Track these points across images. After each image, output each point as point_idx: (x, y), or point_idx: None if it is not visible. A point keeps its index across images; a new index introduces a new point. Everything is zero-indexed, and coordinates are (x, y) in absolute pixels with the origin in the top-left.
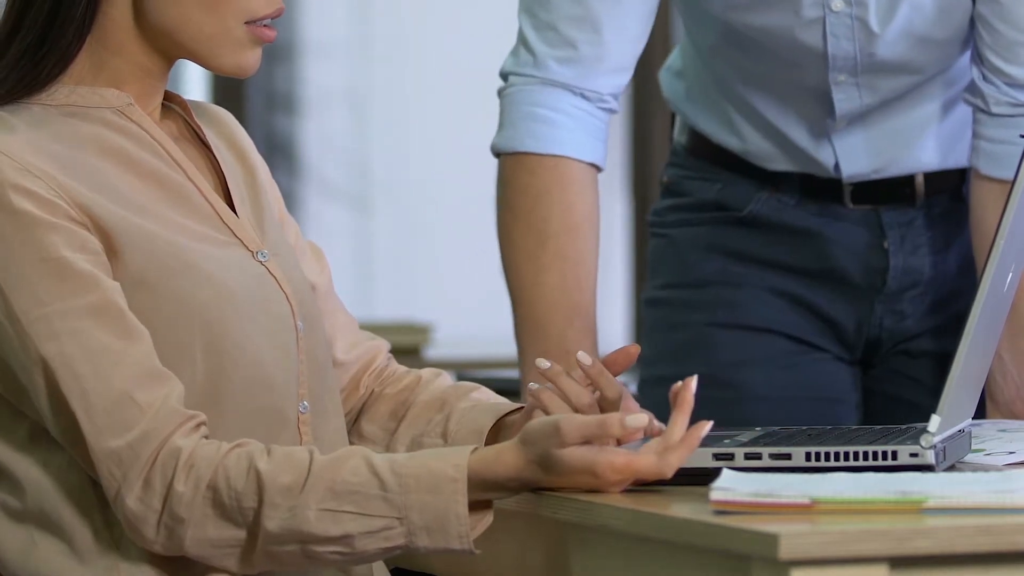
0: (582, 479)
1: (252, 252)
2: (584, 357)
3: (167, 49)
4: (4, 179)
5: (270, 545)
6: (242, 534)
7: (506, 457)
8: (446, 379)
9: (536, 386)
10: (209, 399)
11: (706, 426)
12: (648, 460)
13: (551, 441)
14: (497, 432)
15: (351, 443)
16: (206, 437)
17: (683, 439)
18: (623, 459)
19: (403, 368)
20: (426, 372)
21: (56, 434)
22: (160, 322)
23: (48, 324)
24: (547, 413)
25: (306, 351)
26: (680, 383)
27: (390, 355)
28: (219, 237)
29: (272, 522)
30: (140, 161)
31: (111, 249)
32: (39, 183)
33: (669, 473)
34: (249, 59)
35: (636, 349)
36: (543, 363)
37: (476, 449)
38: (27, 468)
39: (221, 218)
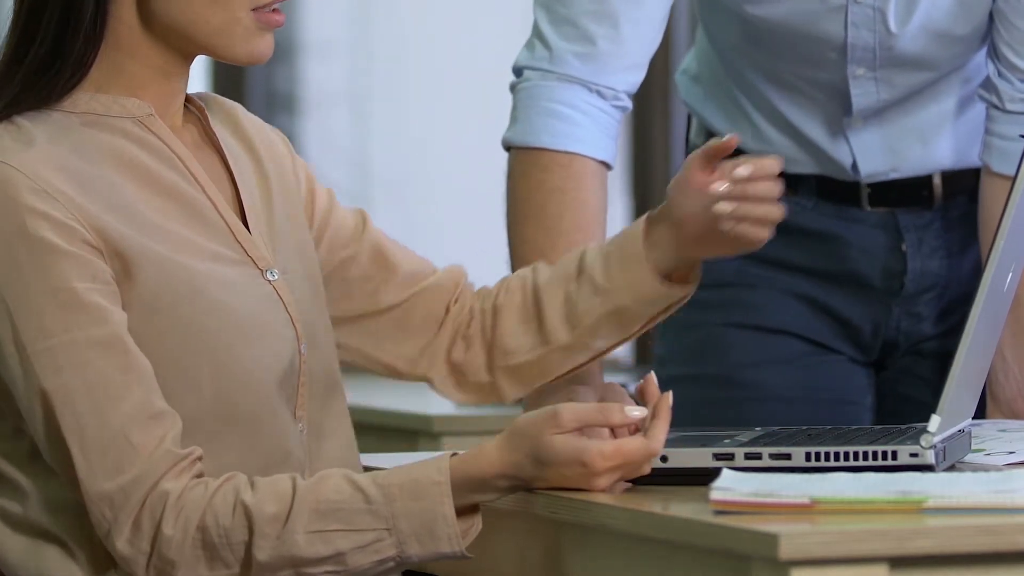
0: (571, 470)
1: (262, 270)
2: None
3: (180, 46)
4: (22, 202)
5: (263, 575)
6: (234, 571)
7: (489, 453)
8: (525, 275)
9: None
10: (215, 425)
11: (669, 397)
12: (636, 442)
13: (547, 426)
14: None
15: (494, 368)
16: (200, 475)
17: (655, 415)
18: (612, 446)
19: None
20: (501, 286)
21: (51, 463)
22: (169, 348)
23: (52, 356)
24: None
25: (308, 373)
26: (642, 381)
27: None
28: (230, 255)
29: (263, 553)
30: (158, 176)
31: (125, 272)
32: (56, 205)
33: (657, 447)
34: (260, 46)
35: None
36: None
37: (455, 453)
38: (27, 483)
39: (234, 235)
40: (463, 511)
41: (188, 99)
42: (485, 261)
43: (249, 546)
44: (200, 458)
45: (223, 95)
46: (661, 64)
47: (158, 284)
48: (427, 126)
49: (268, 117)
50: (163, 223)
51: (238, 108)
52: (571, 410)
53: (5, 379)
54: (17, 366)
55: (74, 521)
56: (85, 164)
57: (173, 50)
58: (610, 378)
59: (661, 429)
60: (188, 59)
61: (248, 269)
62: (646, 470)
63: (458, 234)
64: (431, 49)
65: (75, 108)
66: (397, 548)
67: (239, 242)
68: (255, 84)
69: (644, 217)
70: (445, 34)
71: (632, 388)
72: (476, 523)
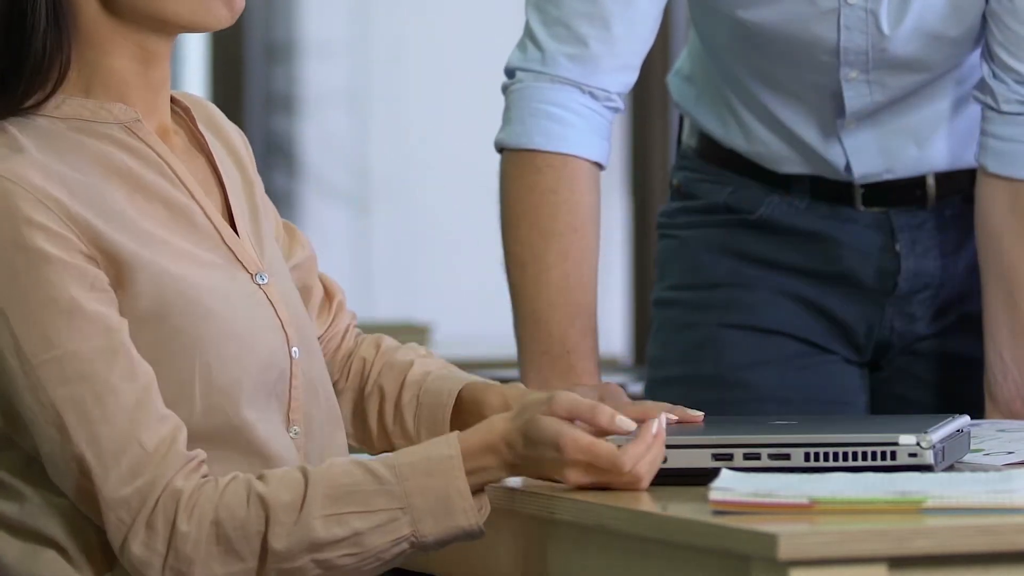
0: (548, 453)
1: (251, 275)
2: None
3: (151, 27)
4: (18, 213)
5: (280, 564)
6: (249, 564)
7: (495, 421)
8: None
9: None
10: (205, 436)
11: (654, 423)
12: (608, 447)
13: (540, 408)
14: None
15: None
16: (205, 475)
17: (637, 436)
18: (587, 440)
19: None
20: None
21: (59, 473)
22: (162, 359)
23: (59, 367)
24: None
25: (301, 375)
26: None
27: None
28: (220, 261)
29: (280, 541)
30: (147, 182)
31: (119, 282)
32: (51, 215)
33: (627, 463)
34: (224, 6)
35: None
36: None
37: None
38: (24, 488)
39: (223, 239)
40: (472, 491)
41: (173, 99)
42: (483, 260)
43: (265, 536)
44: (204, 461)
45: (222, 95)
46: (660, 65)
47: (151, 294)
48: (426, 126)
49: (267, 117)
50: (154, 230)
51: (215, 109)
52: (567, 398)
53: (3, 389)
54: (21, 377)
55: (70, 525)
56: (74, 172)
57: (147, 32)
58: (609, 378)
59: (636, 449)
60: (166, 39)
61: (238, 273)
62: (643, 485)
63: (456, 234)
64: (431, 49)
65: (61, 114)
66: (412, 527)
67: (229, 247)
68: (254, 84)
69: (451, 400)
70: (445, 34)
71: (631, 389)
72: (485, 504)
